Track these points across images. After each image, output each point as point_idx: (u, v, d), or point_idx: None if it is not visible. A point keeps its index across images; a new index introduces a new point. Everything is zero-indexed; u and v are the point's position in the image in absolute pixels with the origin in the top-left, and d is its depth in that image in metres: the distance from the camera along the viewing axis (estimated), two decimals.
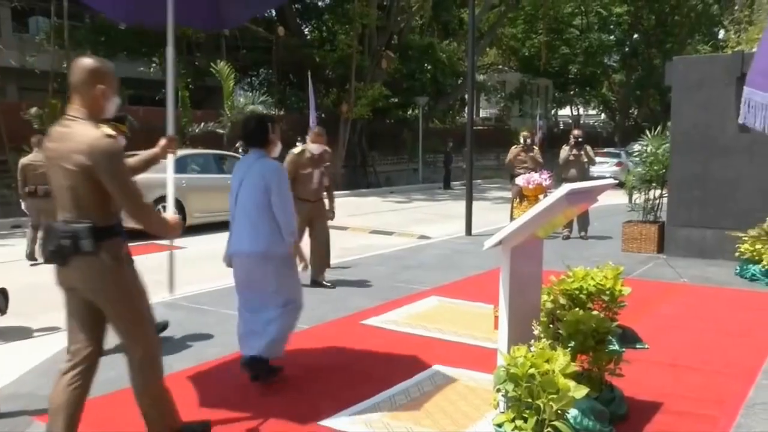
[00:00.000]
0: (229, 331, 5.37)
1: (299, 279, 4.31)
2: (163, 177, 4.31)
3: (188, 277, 6.77)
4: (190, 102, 18.61)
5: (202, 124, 18.02)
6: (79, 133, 2.88)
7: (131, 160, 3.54)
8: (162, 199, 11.47)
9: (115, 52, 21.51)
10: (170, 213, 3.80)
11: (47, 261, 3.00)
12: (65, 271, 2.95)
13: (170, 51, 4.48)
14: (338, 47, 22.99)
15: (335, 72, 23.90)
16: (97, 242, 2.90)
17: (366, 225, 12.71)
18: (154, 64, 21.51)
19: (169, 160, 4.10)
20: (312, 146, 6.86)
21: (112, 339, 3.11)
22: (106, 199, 2.92)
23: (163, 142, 3.78)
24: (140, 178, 3.35)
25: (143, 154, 3.73)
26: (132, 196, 2.93)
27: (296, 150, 6.89)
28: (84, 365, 3.01)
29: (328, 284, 7.00)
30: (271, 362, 4.18)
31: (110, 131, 2.98)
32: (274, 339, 4.09)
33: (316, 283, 6.95)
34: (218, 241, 10.00)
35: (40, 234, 8.24)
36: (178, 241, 10.54)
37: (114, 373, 3.94)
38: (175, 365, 4.50)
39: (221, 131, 17.72)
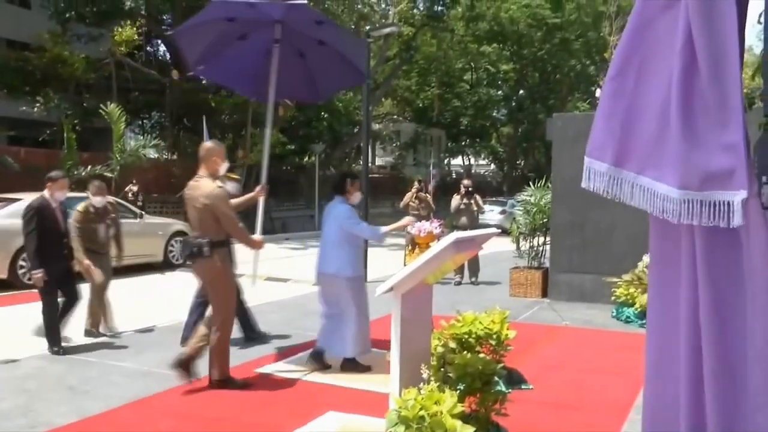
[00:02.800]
0: (113, 383, 5.17)
1: (366, 294, 5.51)
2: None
3: (71, 330, 6.43)
4: (77, 144, 17.88)
5: (89, 167, 17.30)
6: (204, 186, 4.90)
7: (237, 201, 5.84)
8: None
9: None
10: (257, 236, 5.54)
11: (184, 260, 5.34)
12: (194, 268, 4.98)
13: (268, 130, 6.35)
14: (235, 93, 22.90)
15: (231, 117, 23.75)
16: (212, 250, 4.82)
17: (261, 272, 12.51)
18: (37, 104, 20.54)
19: (260, 202, 5.89)
20: (95, 200, 6.90)
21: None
22: (218, 225, 4.88)
23: (258, 189, 5.85)
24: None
25: (245, 197, 6.09)
26: (232, 223, 4.96)
27: (80, 207, 6.86)
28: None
29: (105, 333, 6.77)
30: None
31: (221, 184, 5.03)
32: (352, 339, 5.37)
33: (90, 333, 6.71)
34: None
35: None
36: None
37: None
38: (56, 420, 4.28)
39: (110, 175, 17.07)
